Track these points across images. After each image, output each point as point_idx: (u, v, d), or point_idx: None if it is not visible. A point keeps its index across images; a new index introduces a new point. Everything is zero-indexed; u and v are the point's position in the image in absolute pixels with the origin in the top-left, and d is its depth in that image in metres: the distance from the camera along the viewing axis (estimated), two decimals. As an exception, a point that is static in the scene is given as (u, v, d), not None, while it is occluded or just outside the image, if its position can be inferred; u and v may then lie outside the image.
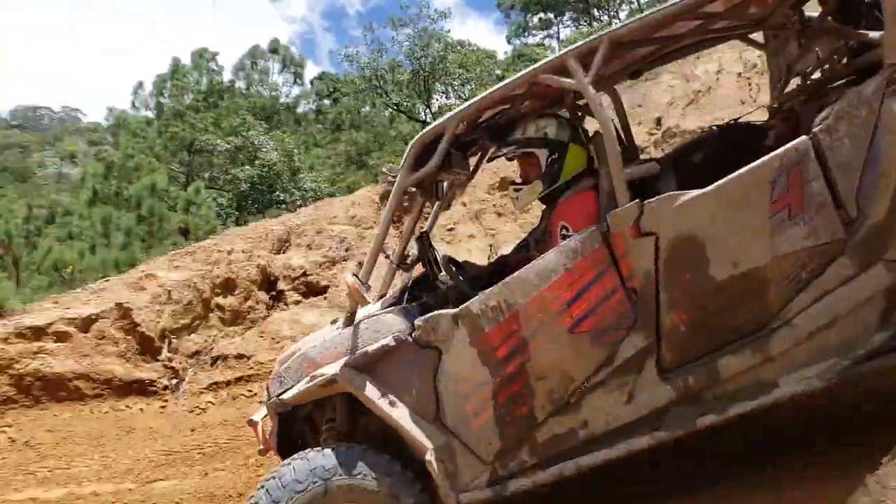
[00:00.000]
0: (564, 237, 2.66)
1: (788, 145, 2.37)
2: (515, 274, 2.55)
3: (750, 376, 2.44)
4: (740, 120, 3.34)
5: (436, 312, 2.62)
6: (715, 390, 2.46)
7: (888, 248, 2.34)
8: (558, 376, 2.51)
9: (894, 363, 2.36)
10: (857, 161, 2.34)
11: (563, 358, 2.51)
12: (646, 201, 2.43)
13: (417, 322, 2.62)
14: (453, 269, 2.91)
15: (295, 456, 2.64)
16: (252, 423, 3.12)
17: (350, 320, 2.80)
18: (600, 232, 2.48)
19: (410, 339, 2.62)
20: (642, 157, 3.66)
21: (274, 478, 2.57)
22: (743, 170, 2.38)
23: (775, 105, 3.46)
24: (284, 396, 2.74)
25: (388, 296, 3.30)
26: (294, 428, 3.04)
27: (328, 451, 2.59)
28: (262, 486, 2.57)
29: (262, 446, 3.12)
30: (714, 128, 3.53)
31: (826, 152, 2.36)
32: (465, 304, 2.58)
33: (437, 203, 3.40)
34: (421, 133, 2.74)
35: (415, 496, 2.57)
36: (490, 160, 3.48)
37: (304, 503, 2.48)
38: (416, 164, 2.73)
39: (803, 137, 2.38)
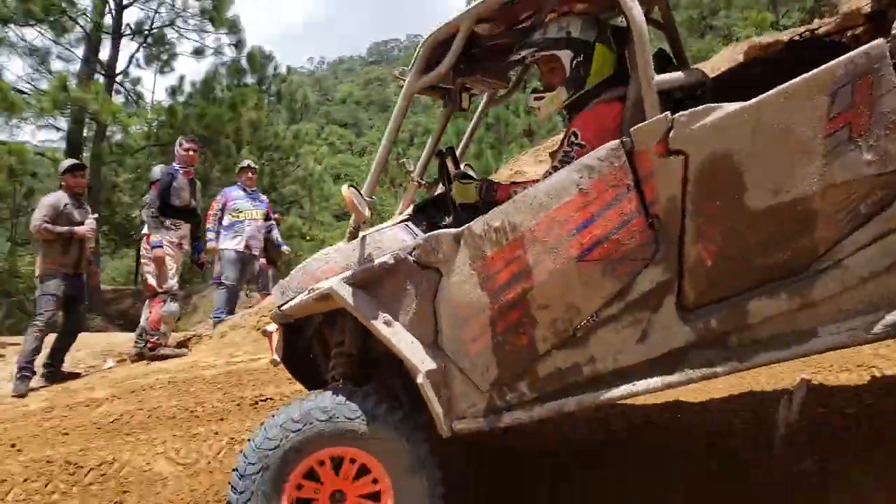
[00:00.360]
0: (571, 146, 2.41)
1: (858, 50, 1.96)
2: (523, 192, 2.32)
3: (785, 322, 2.13)
4: (818, 32, 2.89)
5: (436, 232, 2.44)
6: (741, 335, 2.17)
7: None
8: (563, 307, 2.28)
9: None
10: None
11: (570, 288, 2.25)
12: (677, 114, 2.09)
13: (418, 241, 2.46)
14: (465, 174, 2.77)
15: (298, 398, 2.61)
16: (266, 333, 3.07)
17: (353, 235, 2.67)
18: (624, 147, 2.16)
19: (410, 259, 2.46)
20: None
21: (273, 416, 2.53)
22: (796, 79, 1.99)
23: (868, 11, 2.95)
24: (284, 308, 2.70)
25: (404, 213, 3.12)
26: (303, 341, 3.01)
27: (328, 393, 2.51)
28: (262, 424, 2.54)
29: (274, 356, 3.10)
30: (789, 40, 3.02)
31: None
32: (468, 224, 2.38)
33: (473, 120, 3.26)
34: (433, 31, 2.45)
35: (415, 441, 2.47)
36: (510, 67, 3.14)
37: (299, 442, 2.41)
38: (426, 66, 2.49)
39: (879, 41, 1.97)
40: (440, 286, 2.44)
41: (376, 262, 2.49)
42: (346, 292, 2.46)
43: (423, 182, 3.07)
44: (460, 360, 2.42)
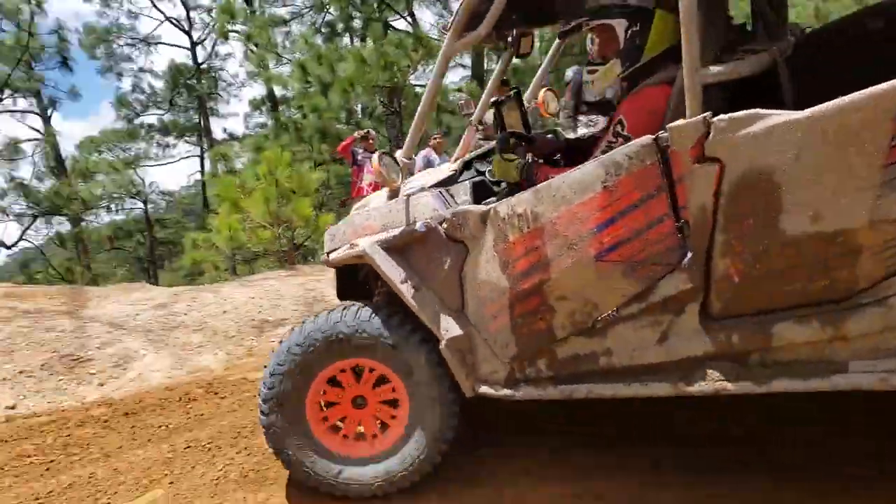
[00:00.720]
0: (616, 136, 2.25)
1: None
2: (548, 181, 2.25)
3: (812, 351, 1.99)
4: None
5: (464, 208, 2.47)
6: (764, 355, 2.06)
7: None
8: (581, 302, 2.26)
9: None
10: None
11: (587, 285, 2.22)
12: (717, 118, 1.88)
13: (447, 214, 2.50)
14: (509, 142, 2.63)
15: (326, 310, 2.79)
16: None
17: (393, 194, 2.74)
18: (658, 145, 1.99)
19: (441, 229, 2.51)
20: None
21: (303, 322, 2.76)
22: (855, 95, 1.70)
23: None
24: (330, 256, 2.88)
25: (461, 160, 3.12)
26: (357, 276, 3.19)
27: (353, 309, 2.69)
28: (293, 328, 2.80)
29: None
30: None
31: None
32: (494, 205, 2.39)
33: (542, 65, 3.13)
34: None
35: (429, 360, 2.61)
36: (563, 37, 2.90)
37: (322, 350, 2.65)
38: (466, 27, 2.41)
39: None
40: (466, 260, 2.49)
41: (408, 228, 2.56)
42: (378, 255, 2.59)
43: (481, 128, 3.05)
44: (483, 331, 2.50)
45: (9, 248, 20.87)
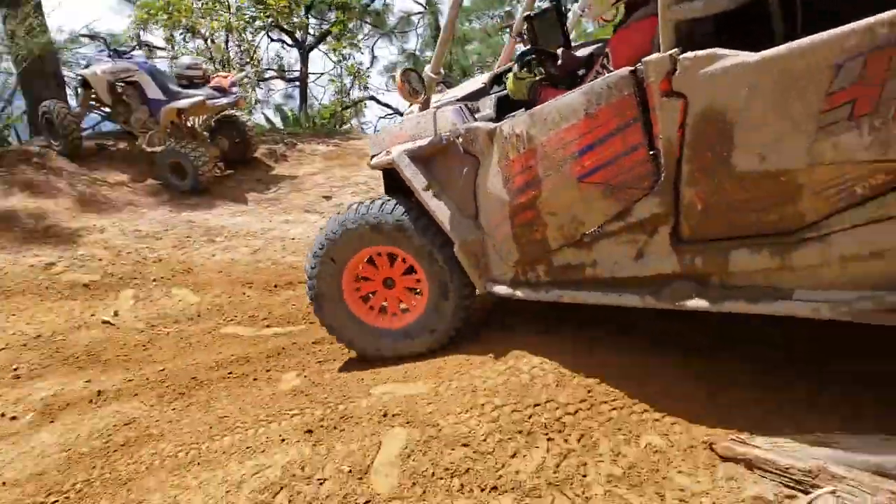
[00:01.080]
0: (604, 68, 2.43)
1: (880, 17, 1.66)
2: (541, 106, 2.48)
3: (762, 278, 2.16)
4: None
5: (475, 125, 2.76)
6: (722, 279, 2.25)
7: None
8: (569, 218, 2.53)
9: None
10: None
11: (572, 203, 2.47)
12: (682, 55, 2.01)
13: (461, 129, 2.79)
14: (530, 59, 2.83)
15: (356, 202, 3.22)
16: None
17: (424, 106, 3.04)
18: (635, 77, 2.13)
19: (459, 142, 2.80)
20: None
21: (338, 213, 3.19)
22: (802, 41, 1.79)
23: None
24: (372, 160, 3.27)
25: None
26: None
27: (378, 202, 3.09)
28: (331, 217, 3.26)
29: None
30: None
31: None
32: (500, 123, 2.66)
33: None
34: None
35: (445, 254, 2.96)
36: None
37: (353, 235, 3.08)
38: None
39: None
40: (478, 173, 2.81)
41: (432, 140, 2.89)
42: (404, 163, 2.97)
43: (519, 40, 3.24)
44: (492, 238, 2.85)
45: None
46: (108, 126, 9.94)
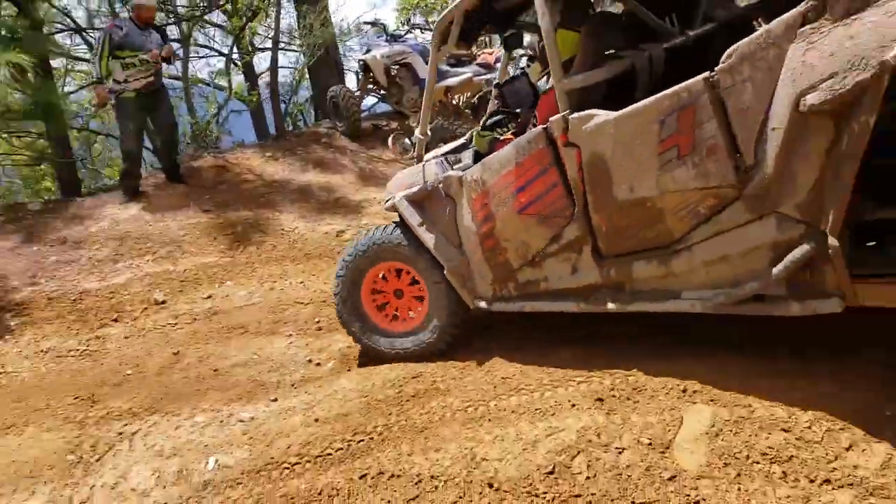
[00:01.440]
0: (534, 125, 3.03)
1: (681, 86, 2.28)
2: (490, 156, 3.12)
3: (657, 283, 2.69)
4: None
5: (449, 173, 3.37)
6: (630, 285, 2.79)
7: (781, 202, 2.19)
8: (519, 243, 3.10)
9: (766, 312, 2.39)
10: (759, 108, 2.13)
11: (518, 231, 3.06)
12: (571, 115, 2.64)
13: (441, 177, 3.40)
14: (496, 120, 3.57)
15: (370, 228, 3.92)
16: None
17: (419, 159, 3.76)
18: (547, 133, 2.77)
19: (440, 188, 3.41)
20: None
21: (355, 239, 4.00)
22: (639, 104, 2.42)
23: None
24: (385, 203, 3.78)
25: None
26: None
27: (387, 229, 3.64)
28: (350, 242, 3.87)
29: None
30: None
31: (725, 95, 2.19)
32: (465, 172, 3.27)
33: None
34: (439, 19, 3.38)
35: (437, 274, 3.46)
36: (506, 45, 3.77)
37: (367, 257, 3.64)
38: (441, 42, 3.40)
39: (698, 78, 2.23)
40: (456, 210, 3.38)
41: (420, 187, 3.49)
42: (403, 206, 3.54)
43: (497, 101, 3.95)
44: (472, 262, 3.37)
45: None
46: (381, 108, 10.79)
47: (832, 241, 2.10)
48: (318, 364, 3.90)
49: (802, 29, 1.99)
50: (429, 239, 3.48)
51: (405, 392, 3.18)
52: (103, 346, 4.62)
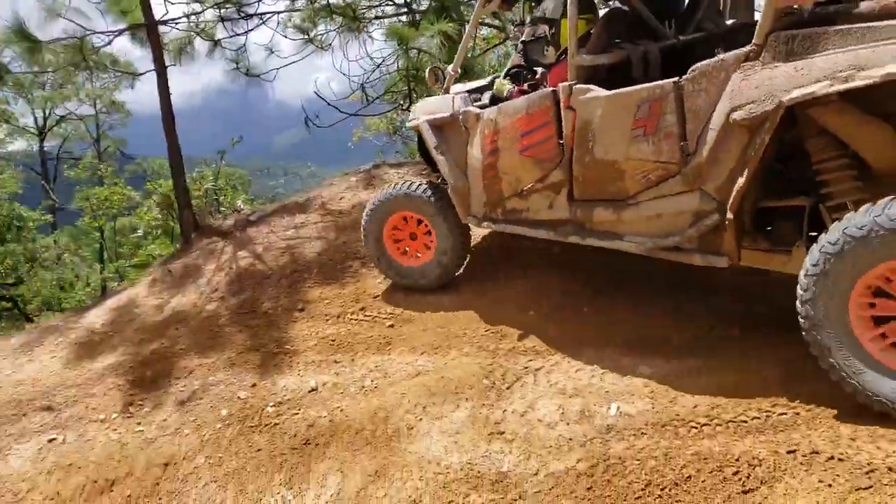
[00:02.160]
0: (544, 86, 3.92)
1: (657, 83, 3.12)
2: (506, 102, 3.94)
3: (609, 226, 3.52)
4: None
5: (470, 109, 4.14)
6: (590, 224, 3.61)
7: (705, 183, 3.03)
8: (515, 177, 3.91)
9: (678, 259, 3.30)
10: (706, 111, 2.95)
11: (515, 167, 3.88)
12: (575, 86, 3.44)
13: (462, 111, 4.16)
14: (515, 72, 4.44)
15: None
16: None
17: (446, 91, 4.56)
18: (553, 95, 3.58)
19: (459, 119, 4.19)
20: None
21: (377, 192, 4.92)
22: (626, 89, 3.23)
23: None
24: (408, 124, 4.81)
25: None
26: None
27: (407, 182, 4.60)
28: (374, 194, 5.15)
29: None
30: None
31: (685, 96, 3.02)
32: (483, 111, 4.05)
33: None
34: None
35: (449, 218, 4.39)
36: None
37: (388, 205, 4.61)
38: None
39: (670, 80, 3.05)
40: (468, 141, 4.17)
41: (442, 114, 4.30)
42: (425, 127, 4.41)
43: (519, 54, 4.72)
44: (472, 186, 4.20)
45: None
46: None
47: (730, 216, 2.96)
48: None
49: (744, 63, 2.79)
50: (441, 160, 4.32)
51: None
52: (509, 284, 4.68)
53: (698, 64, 2.93)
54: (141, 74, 8.44)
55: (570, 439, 2.92)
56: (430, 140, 4.35)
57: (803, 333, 2.60)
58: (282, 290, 5.20)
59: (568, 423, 3.02)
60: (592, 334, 3.77)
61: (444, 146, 4.31)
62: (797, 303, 2.62)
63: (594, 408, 3.07)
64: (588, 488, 2.65)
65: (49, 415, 4.11)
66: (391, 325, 4.39)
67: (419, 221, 4.58)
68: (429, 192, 4.43)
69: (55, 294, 15.12)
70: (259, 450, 3.40)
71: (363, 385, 3.74)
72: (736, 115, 2.76)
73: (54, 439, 3.85)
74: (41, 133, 22.60)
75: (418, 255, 4.65)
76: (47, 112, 22.64)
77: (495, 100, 4.19)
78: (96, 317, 5.45)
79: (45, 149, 23.14)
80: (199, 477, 3.35)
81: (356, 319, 4.59)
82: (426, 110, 4.48)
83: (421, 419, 3.28)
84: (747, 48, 2.76)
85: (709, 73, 2.88)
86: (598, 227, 3.55)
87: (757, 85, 2.69)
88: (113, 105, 23.06)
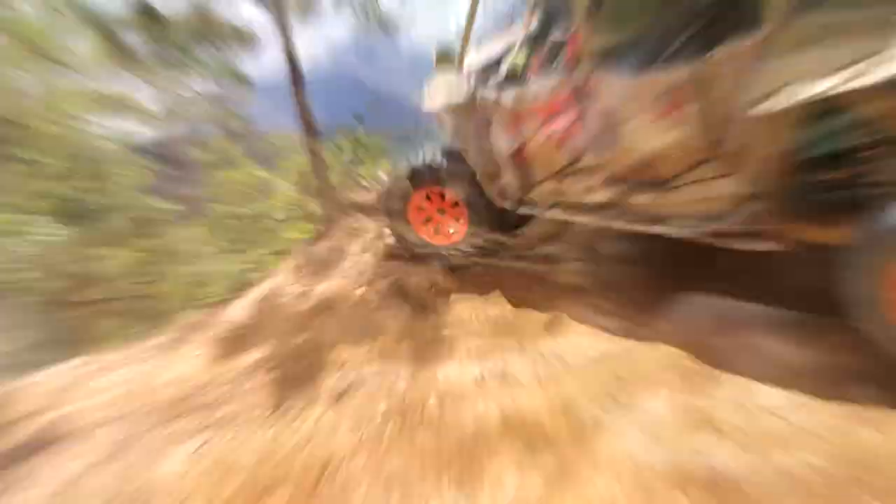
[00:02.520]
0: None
1: (677, 72, 2.91)
2: (524, 89, 3.75)
3: (649, 209, 3.43)
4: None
5: (487, 95, 3.99)
6: (628, 208, 3.52)
7: (740, 167, 2.92)
8: (545, 162, 3.82)
9: (722, 245, 3.18)
10: (729, 97, 2.77)
11: (544, 153, 3.77)
12: (592, 73, 3.32)
13: (480, 97, 4.05)
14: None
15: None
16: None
17: (460, 65, 4.30)
18: (573, 82, 3.43)
19: (478, 104, 4.09)
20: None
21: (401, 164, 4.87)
22: (645, 76, 3.06)
23: None
24: (424, 106, 4.52)
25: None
26: None
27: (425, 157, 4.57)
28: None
29: None
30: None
31: (707, 84, 2.82)
32: (500, 96, 3.91)
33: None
34: None
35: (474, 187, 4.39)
36: None
37: (410, 179, 4.63)
38: None
39: (695, 62, 2.84)
40: (491, 127, 4.06)
41: (461, 99, 4.17)
42: (442, 112, 4.38)
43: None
44: (505, 172, 4.14)
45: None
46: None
47: (770, 203, 2.96)
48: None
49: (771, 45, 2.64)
50: (464, 144, 4.27)
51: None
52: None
53: (722, 46, 2.73)
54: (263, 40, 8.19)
55: (803, 428, 2.52)
56: (448, 124, 4.34)
57: None
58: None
59: (796, 410, 2.60)
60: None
61: (464, 131, 4.24)
62: None
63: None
64: (827, 486, 2.26)
65: (201, 414, 4.03)
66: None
67: (441, 196, 4.68)
68: (455, 166, 4.48)
69: (195, 290, 15.55)
70: (423, 448, 3.15)
71: (536, 373, 3.40)
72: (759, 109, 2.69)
73: (208, 440, 3.75)
74: (167, 118, 23.50)
75: (451, 230, 4.69)
76: (173, 95, 23.50)
77: (511, 77, 3.98)
78: (240, 310, 5.46)
79: (173, 134, 24.11)
80: (360, 481, 3.12)
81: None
82: (439, 90, 4.38)
83: (609, 411, 2.92)
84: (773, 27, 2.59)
85: (735, 55, 2.70)
86: (636, 211, 3.50)
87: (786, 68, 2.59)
88: (236, 78, 23.70)
